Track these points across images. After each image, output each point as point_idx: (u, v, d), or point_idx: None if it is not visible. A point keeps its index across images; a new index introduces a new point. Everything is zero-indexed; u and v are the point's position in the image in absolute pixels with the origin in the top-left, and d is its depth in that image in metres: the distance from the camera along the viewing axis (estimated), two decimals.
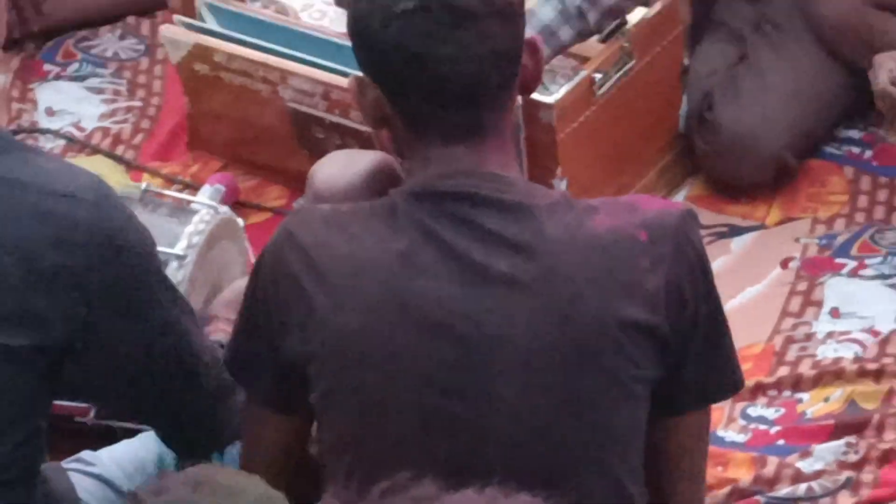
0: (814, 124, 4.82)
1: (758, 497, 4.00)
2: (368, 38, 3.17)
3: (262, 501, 2.88)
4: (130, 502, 2.87)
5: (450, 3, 3.02)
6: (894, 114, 4.41)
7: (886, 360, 4.21)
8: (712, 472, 3.92)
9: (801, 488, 3.99)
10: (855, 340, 4.31)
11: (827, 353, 4.29)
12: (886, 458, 3.99)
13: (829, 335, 4.36)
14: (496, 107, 3.17)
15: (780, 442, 4.11)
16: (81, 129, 4.95)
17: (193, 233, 4.07)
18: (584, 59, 4.50)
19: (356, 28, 3.20)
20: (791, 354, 4.30)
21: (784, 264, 4.55)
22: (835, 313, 4.41)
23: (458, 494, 1.54)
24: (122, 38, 5.30)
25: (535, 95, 3.94)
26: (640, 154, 4.76)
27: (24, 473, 3.27)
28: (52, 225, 3.28)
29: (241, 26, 4.68)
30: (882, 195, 4.72)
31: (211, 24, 4.68)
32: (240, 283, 4.01)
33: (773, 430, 4.13)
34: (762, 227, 4.65)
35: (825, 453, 4.03)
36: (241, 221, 4.34)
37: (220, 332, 3.92)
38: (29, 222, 3.29)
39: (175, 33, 4.69)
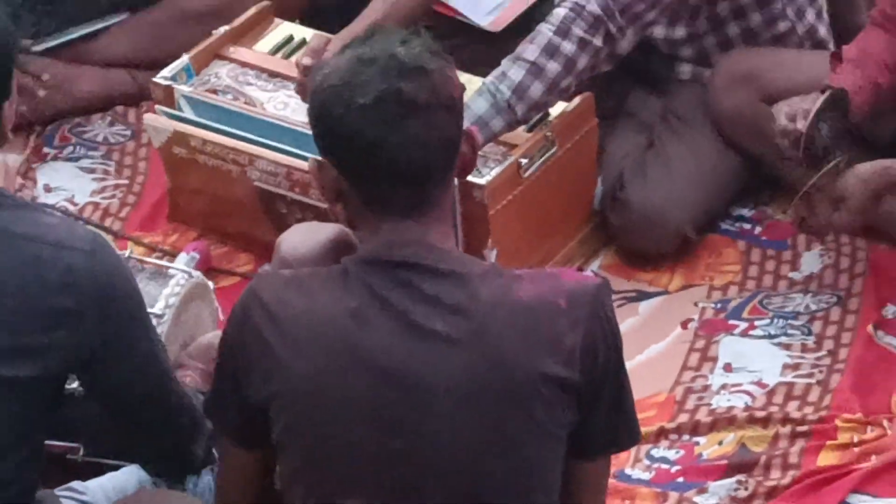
0: (712, 203, 4.88)
1: None
2: (330, 127, 3.22)
3: None
4: None
5: (401, 97, 3.08)
6: (796, 147, 4.47)
7: (772, 409, 4.26)
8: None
9: None
10: (745, 392, 4.36)
11: (721, 402, 4.34)
12: (772, 493, 4.03)
13: (723, 387, 4.41)
14: (438, 187, 3.22)
15: (680, 479, 4.14)
16: (75, 204, 4.95)
17: (170, 294, 4.12)
18: (512, 146, 4.53)
19: (319, 117, 3.25)
20: (690, 403, 4.35)
21: (684, 325, 4.59)
22: (727, 368, 4.45)
23: None
24: (111, 124, 5.29)
25: (470, 177, 4.00)
26: (561, 228, 4.80)
27: (23, 494, 3.29)
28: (53, 271, 3.30)
29: (214, 115, 4.69)
30: (770, 265, 4.78)
31: (188, 113, 4.68)
32: (206, 338, 4.14)
33: (674, 469, 4.17)
34: (665, 292, 4.72)
35: (719, 489, 4.08)
36: (211, 284, 4.37)
37: (188, 377, 3.94)
38: (33, 269, 3.31)
39: (157, 121, 4.69)
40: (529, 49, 4.56)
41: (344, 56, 3.28)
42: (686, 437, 4.25)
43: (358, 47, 3.33)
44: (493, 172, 4.46)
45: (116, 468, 3.81)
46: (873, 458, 4.09)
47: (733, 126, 4.73)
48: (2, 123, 3.55)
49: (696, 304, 4.68)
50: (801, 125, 4.37)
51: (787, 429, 4.22)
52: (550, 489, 3.29)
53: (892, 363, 4.40)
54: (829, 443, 4.17)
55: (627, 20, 4.53)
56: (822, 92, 4.41)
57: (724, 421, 4.27)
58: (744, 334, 4.55)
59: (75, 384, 3.54)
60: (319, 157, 3.27)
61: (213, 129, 4.69)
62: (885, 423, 4.19)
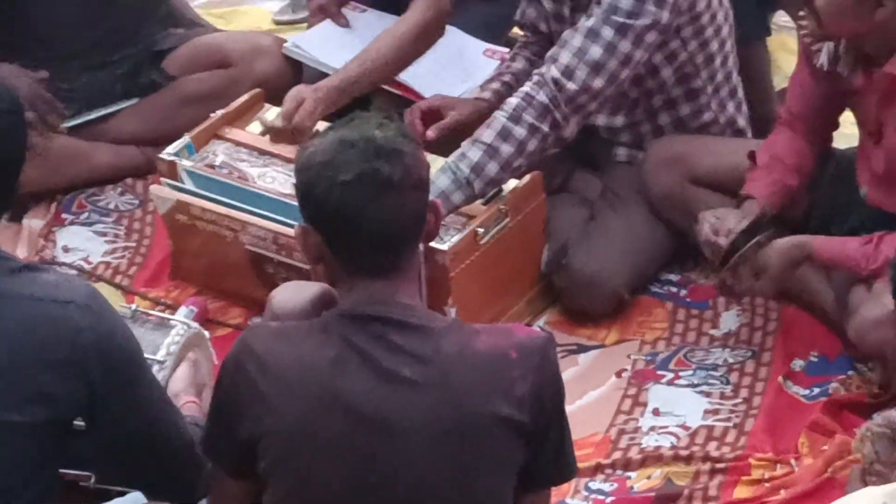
0: (643, 269, 4.89)
1: None
2: (314, 199, 3.26)
3: None
4: None
5: (378, 176, 3.13)
6: (717, 257, 4.51)
7: (695, 448, 4.27)
8: None
9: None
10: (671, 433, 4.35)
11: (650, 442, 4.34)
12: None
13: (652, 428, 4.41)
14: (407, 252, 3.28)
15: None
16: (89, 263, 5.01)
17: (171, 343, 4.09)
18: (470, 217, 4.55)
19: (305, 191, 3.30)
20: (623, 442, 4.34)
21: (619, 374, 4.58)
22: (656, 412, 4.45)
23: None
24: (121, 194, 5.29)
25: (433, 243, 4.06)
26: (513, 288, 4.81)
27: None
28: (60, 327, 3.28)
29: (211, 187, 4.70)
30: (693, 323, 4.80)
31: (189, 185, 4.68)
32: (183, 372, 4.12)
33: (608, 500, 4.16)
34: (602, 346, 4.71)
35: None
36: (207, 334, 4.35)
37: (185, 406, 3.93)
38: (42, 325, 3.29)
39: (162, 191, 4.69)
40: (486, 133, 4.58)
41: (327, 138, 3.32)
42: (619, 471, 4.25)
43: (340, 130, 3.37)
44: (454, 240, 4.48)
45: (122, 494, 3.83)
46: (782, 492, 4.09)
47: (662, 203, 4.73)
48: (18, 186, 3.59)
49: (629, 357, 4.66)
50: (723, 241, 4.41)
51: (707, 466, 4.22)
52: None
53: (799, 410, 4.41)
54: (743, 478, 4.18)
55: (572, 110, 4.56)
56: (739, 205, 4.51)
57: (652, 458, 4.28)
58: (670, 383, 4.57)
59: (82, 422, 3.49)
60: (304, 224, 3.36)
61: (210, 199, 4.69)
62: (793, 461, 4.20)
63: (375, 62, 4.97)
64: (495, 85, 5.04)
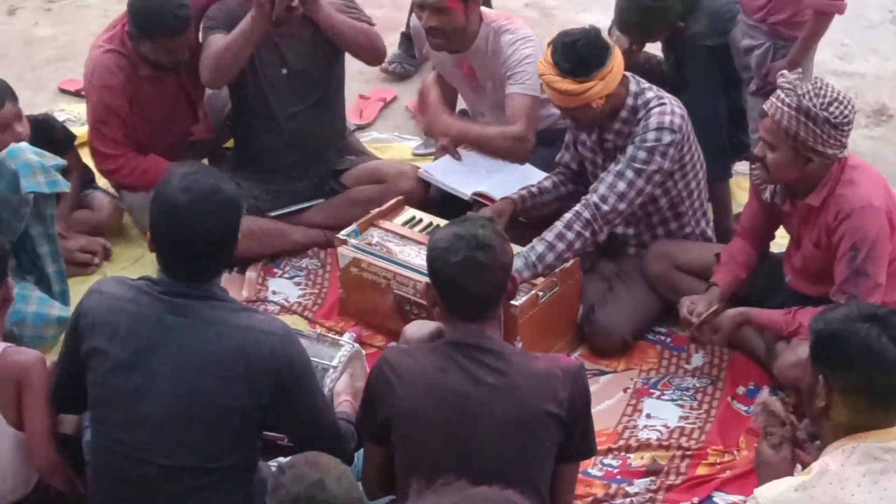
0: (642, 324, 4.83)
1: (606, 499, 4.10)
2: (434, 269, 3.43)
3: (342, 471, 2.98)
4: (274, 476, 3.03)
5: (476, 262, 3.29)
6: (688, 328, 4.48)
7: (672, 441, 4.32)
8: (583, 490, 4.05)
9: (627, 500, 4.10)
10: (657, 430, 4.40)
11: (643, 435, 4.39)
12: (670, 488, 4.13)
13: (645, 427, 4.43)
14: (492, 308, 3.44)
15: (618, 477, 4.20)
16: (288, 302, 5.00)
17: (341, 355, 4.09)
18: (534, 285, 4.55)
19: (430, 263, 3.47)
20: (625, 435, 4.40)
21: (624, 390, 4.59)
22: (648, 416, 4.49)
23: (478, 489, 1.49)
24: (310, 258, 5.19)
25: (511, 301, 4.13)
26: (558, 332, 4.76)
27: (250, 465, 3.49)
28: (265, 348, 3.38)
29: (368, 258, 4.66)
30: (674, 360, 4.75)
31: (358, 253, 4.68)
32: (358, 384, 4.07)
33: (615, 470, 4.23)
34: (615, 371, 4.70)
35: (640, 484, 4.18)
36: (363, 351, 4.37)
37: (344, 403, 3.94)
38: (254, 346, 3.38)
39: (345, 251, 4.64)
40: (549, 234, 4.56)
41: (448, 230, 3.47)
42: (623, 453, 4.31)
43: (456, 226, 3.51)
44: (522, 300, 4.43)
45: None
46: (728, 471, 4.18)
47: (656, 283, 4.73)
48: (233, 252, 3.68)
49: (631, 379, 4.66)
50: (696, 320, 4.41)
51: (679, 452, 4.29)
52: (545, 479, 3.43)
53: (741, 419, 4.43)
54: (703, 462, 4.25)
55: (605, 223, 4.56)
56: (707, 289, 4.51)
57: (644, 446, 4.34)
58: (658, 398, 4.58)
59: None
60: (428, 282, 3.50)
61: (375, 256, 4.70)
62: (735, 452, 4.26)
63: None
64: (535, 189, 5.00)
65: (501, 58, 5.06)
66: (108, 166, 5.00)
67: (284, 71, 4.99)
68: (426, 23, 4.99)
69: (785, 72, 4.24)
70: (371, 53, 5.31)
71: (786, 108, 3.98)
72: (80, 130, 5.39)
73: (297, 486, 2.88)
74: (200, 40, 5.12)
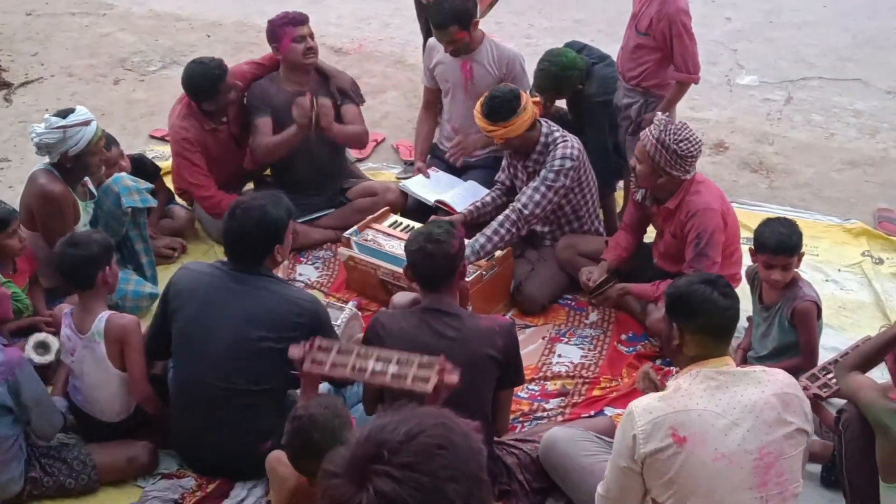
0: (555, 293, 4.76)
1: (529, 416, 4.07)
2: (408, 256, 3.51)
3: (339, 408, 2.97)
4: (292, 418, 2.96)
5: (427, 251, 3.39)
6: (588, 291, 4.55)
7: (575, 372, 4.28)
8: (515, 408, 3.97)
9: (545, 413, 4.06)
10: (565, 365, 4.34)
11: (556, 369, 4.31)
12: (574, 405, 4.10)
13: (557, 363, 4.36)
14: (444, 282, 3.44)
15: (539, 398, 4.16)
16: (310, 280, 4.92)
17: (344, 316, 4.13)
18: (480, 266, 4.49)
19: (406, 252, 3.50)
20: (544, 369, 4.32)
21: (543, 339, 4.50)
22: (559, 356, 4.41)
23: (422, 408, 1.36)
24: (325, 251, 5.11)
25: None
26: (496, 300, 4.69)
27: (282, 389, 3.57)
28: (296, 306, 3.51)
29: (366, 249, 4.66)
30: (577, 317, 4.66)
31: (356, 249, 4.68)
32: (355, 337, 4.02)
33: (537, 393, 4.19)
34: (536, 326, 4.61)
35: (554, 402, 4.14)
36: (360, 314, 4.37)
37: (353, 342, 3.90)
38: (286, 306, 3.52)
39: (344, 251, 4.64)
40: (488, 229, 4.52)
41: (418, 230, 3.60)
42: (541, 382, 4.26)
43: (424, 227, 3.65)
44: (471, 277, 4.34)
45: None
46: (614, 393, 4.17)
47: (564, 264, 4.73)
48: (278, 254, 3.68)
49: (547, 331, 4.56)
50: (592, 284, 4.48)
51: (581, 380, 4.26)
52: (488, 401, 3.48)
53: (623, 357, 4.38)
54: (597, 387, 4.22)
55: (525, 223, 4.54)
56: (598, 263, 4.54)
57: (556, 376, 4.28)
58: (566, 343, 4.49)
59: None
60: (406, 266, 3.52)
61: (364, 255, 4.67)
62: (619, 380, 4.26)
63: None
64: (479, 203, 4.90)
65: (501, 66, 5.07)
66: (202, 193, 4.97)
67: (311, 133, 4.96)
68: (445, 46, 5.01)
69: (659, 113, 4.38)
70: (356, 147, 5.42)
71: (651, 137, 4.09)
72: (165, 164, 5.40)
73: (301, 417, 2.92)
74: (248, 114, 5.15)
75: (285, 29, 4.89)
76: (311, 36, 4.96)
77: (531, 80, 5.03)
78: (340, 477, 1.26)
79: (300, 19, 4.91)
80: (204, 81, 4.84)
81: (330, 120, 4.89)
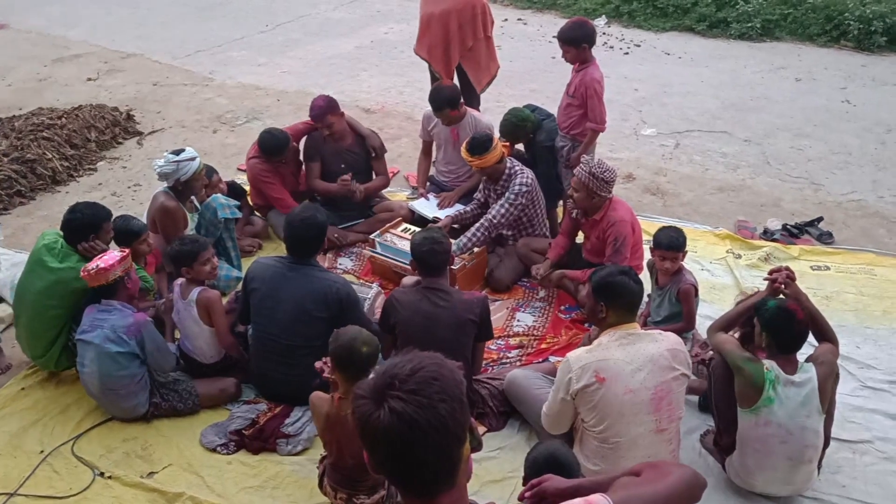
0: (515, 277, 4.61)
1: (497, 362, 3.99)
2: (413, 251, 3.43)
3: (367, 334, 2.86)
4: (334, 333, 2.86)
5: (430, 246, 3.40)
6: (538, 280, 4.44)
7: (529, 332, 4.21)
8: (486, 356, 3.93)
9: (507, 360, 3.99)
10: (522, 326, 4.26)
11: (515, 329, 4.23)
12: (528, 355, 4.05)
13: (516, 325, 4.25)
14: (441, 269, 3.41)
15: (503, 349, 4.09)
16: (346, 269, 4.77)
17: (371, 293, 4.11)
18: (463, 258, 4.41)
19: (411, 248, 3.43)
20: (507, 329, 4.23)
21: (507, 309, 4.38)
22: (518, 321, 4.30)
23: (423, 352, 1.33)
24: (358, 247, 4.94)
25: (452, 266, 4.07)
26: (476, 281, 4.56)
27: (325, 346, 3.03)
28: (332, 287, 3.42)
29: (386, 247, 4.58)
30: (530, 294, 4.52)
31: (379, 248, 4.62)
32: (376, 306, 3.98)
33: (502, 346, 4.11)
34: (502, 300, 4.47)
35: (514, 353, 4.08)
36: (382, 291, 4.31)
37: (374, 315, 3.85)
38: (324, 287, 3.42)
39: (369, 251, 4.61)
40: (470, 232, 4.45)
41: (420, 233, 3.51)
42: (505, 338, 4.17)
43: (423, 232, 3.57)
44: (458, 265, 4.32)
45: None
46: (555, 346, 4.11)
47: (522, 258, 4.60)
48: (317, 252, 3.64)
49: (510, 304, 4.43)
50: (538, 276, 4.41)
51: (533, 338, 4.19)
52: (469, 350, 3.45)
53: (562, 322, 4.29)
54: (544, 342, 4.16)
55: (496, 229, 4.50)
56: (545, 260, 4.42)
57: (515, 334, 4.21)
58: (522, 312, 4.38)
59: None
60: (412, 259, 3.45)
61: (382, 254, 4.60)
62: (559, 337, 4.18)
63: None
64: (466, 211, 4.82)
65: (473, 130, 4.93)
66: (283, 203, 4.88)
67: (349, 172, 4.96)
68: (441, 120, 4.98)
69: (584, 156, 4.30)
70: (381, 190, 5.25)
71: (584, 172, 4.03)
72: (248, 188, 5.33)
73: (345, 335, 2.86)
74: (304, 157, 5.10)
75: (313, 121, 4.90)
76: (329, 125, 4.85)
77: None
78: (366, 398, 1.28)
79: (316, 115, 4.84)
80: (274, 147, 4.82)
81: (361, 195, 4.95)
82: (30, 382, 3.85)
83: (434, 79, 5.56)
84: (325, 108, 4.80)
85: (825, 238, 4.98)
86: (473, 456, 3.40)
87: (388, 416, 1.23)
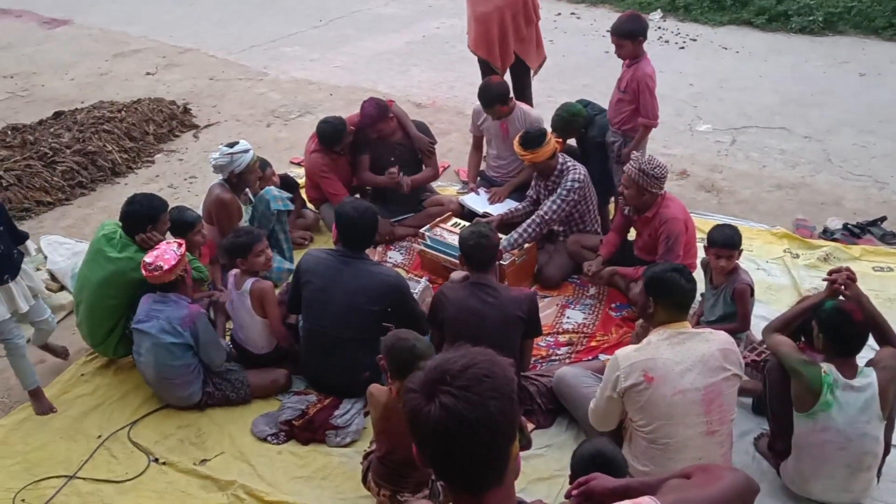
0: (566, 274, 4.60)
1: (546, 359, 3.98)
2: (461, 246, 3.45)
3: (421, 339, 2.86)
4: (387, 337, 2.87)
5: (479, 242, 3.43)
6: (589, 277, 4.39)
7: (579, 329, 4.18)
8: (536, 352, 3.90)
9: (556, 357, 3.98)
10: (571, 324, 4.24)
11: (565, 326, 4.21)
12: (578, 352, 4.03)
13: (565, 322, 4.25)
14: (490, 264, 3.45)
15: (553, 346, 4.07)
16: (396, 263, 4.81)
17: (420, 287, 4.10)
18: (513, 254, 4.39)
19: (460, 243, 3.42)
20: (556, 326, 4.21)
21: (556, 305, 4.35)
22: (567, 318, 4.29)
23: (475, 348, 1.30)
24: (409, 241, 4.97)
25: (501, 262, 3.99)
26: (525, 278, 4.55)
27: (378, 337, 3.00)
28: (385, 280, 3.45)
29: (435, 242, 4.59)
30: (581, 291, 4.54)
31: (429, 241, 4.63)
32: (426, 300, 3.92)
33: (552, 343, 4.09)
34: (552, 296, 4.45)
35: (563, 350, 4.05)
36: (430, 285, 4.31)
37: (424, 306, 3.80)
38: (380, 278, 3.45)
39: (419, 245, 4.68)
40: (521, 228, 4.44)
41: (469, 228, 3.50)
42: (555, 335, 4.16)
43: (472, 227, 3.56)
44: (508, 261, 4.30)
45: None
46: (605, 344, 4.08)
47: (573, 254, 4.57)
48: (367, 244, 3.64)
49: (560, 300, 4.42)
50: (591, 272, 4.36)
51: (582, 335, 4.16)
52: (517, 347, 3.43)
53: (612, 320, 4.26)
54: (594, 340, 4.14)
55: (548, 225, 4.47)
56: (596, 257, 4.38)
57: (565, 331, 4.18)
58: (572, 309, 4.36)
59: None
60: (461, 253, 3.44)
61: (431, 249, 4.60)
62: (609, 336, 4.16)
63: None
64: (517, 209, 4.79)
65: (524, 124, 4.90)
66: (337, 198, 4.86)
67: (398, 165, 5.01)
68: (491, 115, 4.95)
69: (634, 152, 4.22)
70: (430, 182, 5.28)
71: (633, 169, 3.97)
72: (301, 181, 5.42)
73: (402, 341, 2.84)
74: (355, 150, 5.10)
75: (364, 128, 4.93)
76: (378, 130, 4.91)
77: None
78: (417, 392, 1.26)
79: (368, 125, 4.90)
80: (332, 135, 4.84)
81: (408, 188, 4.99)
82: (89, 369, 3.96)
83: (488, 72, 5.56)
84: (376, 118, 4.85)
85: (888, 238, 4.82)
86: (521, 452, 3.41)
87: (439, 410, 1.22)
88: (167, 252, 3.50)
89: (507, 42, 5.40)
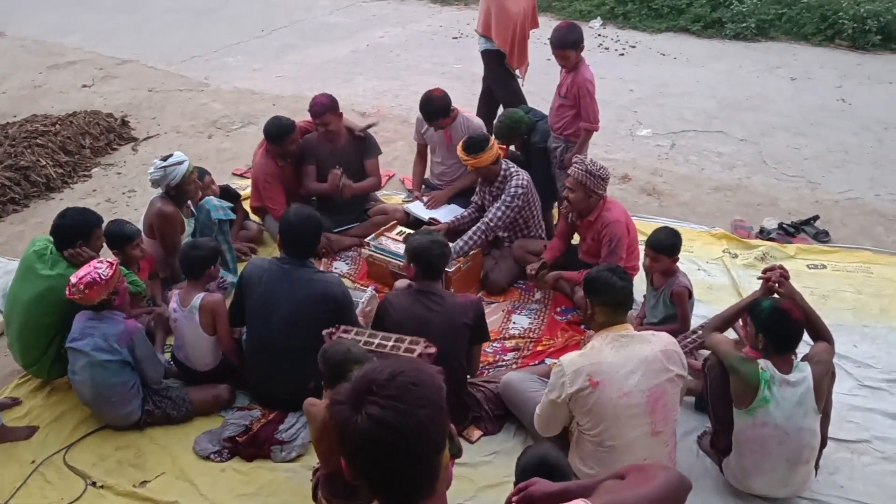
0: (512, 279, 4.59)
1: (492, 364, 3.98)
2: (411, 252, 3.41)
3: (360, 348, 2.78)
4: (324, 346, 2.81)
5: (431, 248, 3.37)
6: (532, 280, 4.44)
7: (525, 334, 4.18)
8: (483, 359, 3.89)
9: (503, 363, 3.96)
10: (518, 329, 4.23)
11: (511, 332, 4.20)
12: (524, 357, 4.02)
13: (511, 328, 4.24)
14: (438, 274, 3.40)
15: (500, 352, 4.07)
16: (342, 272, 4.74)
17: (365, 297, 3.99)
18: (459, 261, 4.38)
19: (409, 249, 3.39)
20: (503, 332, 4.20)
21: (503, 311, 4.34)
22: (514, 323, 4.28)
23: (406, 357, 1.33)
24: (353, 251, 4.95)
25: (447, 269, 4.04)
26: (471, 284, 4.53)
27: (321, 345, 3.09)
28: (329, 289, 3.37)
29: (381, 249, 4.56)
30: (526, 296, 4.51)
31: (374, 249, 4.59)
32: (371, 310, 3.83)
33: (498, 349, 4.10)
34: (497, 302, 4.45)
35: (510, 355, 4.05)
36: (377, 294, 4.19)
37: (362, 317, 3.75)
38: (324, 288, 3.38)
39: (365, 252, 4.61)
40: (466, 236, 4.43)
41: (416, 237, 3.46)
42: (501, 341, 4.15)
43: (422, 235, 3.52)
44: (453, 267, 4.30)
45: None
46: (551, 349, 4.08)
47: (518, 259, 4.58)
48: (319, 247, 3.62)
49: (506, 306, 4.41)
50: (533, 272, 4.40)
51: (528, 340, 4.16)
52: (464, 354, 3.40)
53: (558, 324, 4.26)
54: (539, 344, 4.13)
55: (492, 232, 4.48)
56: (540, 259, 4.41)
57: (511, 337, 4.18)
58: (518, 314, 4.36)
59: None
60: (407, 261, 3.40)
61: (377, 253, 4.59)
62: (555, 339, 4.15)
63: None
64: (463, 216, 4.77)
65: (466, 132, 4.90)
66: (278, 210, 4.83)
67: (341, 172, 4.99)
68: (434, 127, 5.01)
69: (578, 156, 4.27)
70: (372, 192, 5.27)
71: (579, 170, 4.00)
72: (243, 192, 5.40)
73: (336, 345, 2.83)
74: (301, 159, 5.07)
75: (312, 117, 4.89)
76: (326, 123, 4.86)
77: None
78: (343, 403, 1.23)
79: (316, 112, 4.85)
80: (279, 131, 4.78)
81: (349, 192, 4.97)
82: (22, 391, 3.85)
83: (496, 69, 5.53)
84: (328, 106, 4.82)
85: (821, 237, 4.94)
86: (469, 460, 3.37)
87: (366, 421, 1.19)
88: (93, 273, 3.35)
89: (525, 46, 5.49)
